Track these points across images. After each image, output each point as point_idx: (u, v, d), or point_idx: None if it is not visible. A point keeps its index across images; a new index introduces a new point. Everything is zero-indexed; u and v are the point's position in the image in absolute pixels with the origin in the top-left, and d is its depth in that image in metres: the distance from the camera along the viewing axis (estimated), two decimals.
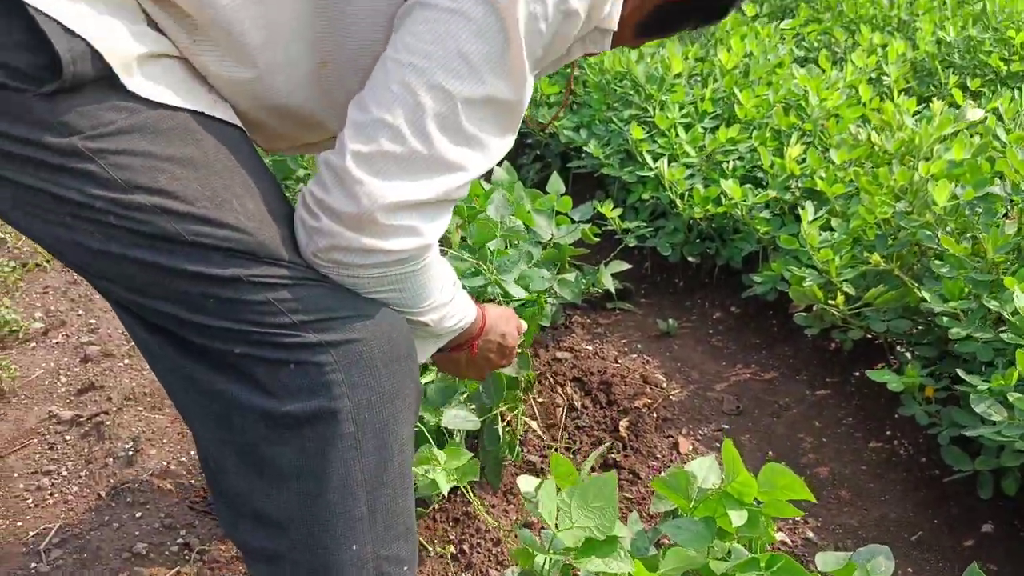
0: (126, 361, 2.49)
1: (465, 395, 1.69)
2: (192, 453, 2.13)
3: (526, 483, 1.33)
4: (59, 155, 0.90)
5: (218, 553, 1.84)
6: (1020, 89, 2.26)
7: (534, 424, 1.94)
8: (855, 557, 1.40)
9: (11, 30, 0.88)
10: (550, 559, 1.30)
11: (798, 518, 1.84)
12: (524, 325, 1.37)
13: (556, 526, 1.27)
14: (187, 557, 1.80)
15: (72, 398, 2.35)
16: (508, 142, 1.04)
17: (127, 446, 2.12)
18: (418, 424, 1.49)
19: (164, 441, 2.16)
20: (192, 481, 2.04)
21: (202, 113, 1.00)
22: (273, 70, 1.04)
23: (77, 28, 0.89)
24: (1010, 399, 1.51)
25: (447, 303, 1.14)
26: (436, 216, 1.01)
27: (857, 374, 2.18)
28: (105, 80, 0.92)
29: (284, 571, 1.07)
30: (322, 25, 1.02)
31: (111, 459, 2.08)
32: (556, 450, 1.95)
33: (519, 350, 1.77)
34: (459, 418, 1.60)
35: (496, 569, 1.71)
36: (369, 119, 0.96)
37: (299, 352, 0.99)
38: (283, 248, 1.00)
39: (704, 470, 1.48)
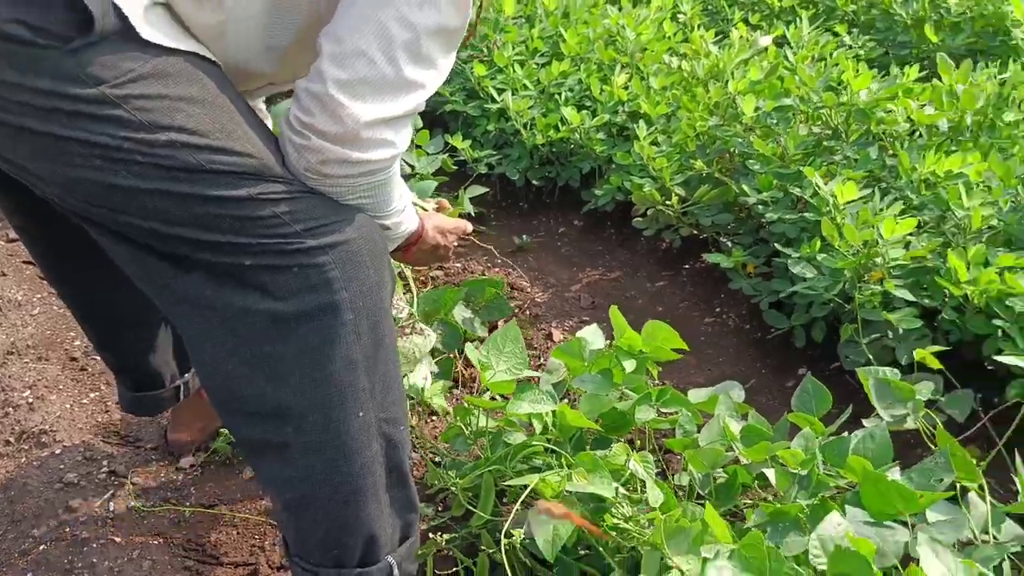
0: None
1: None
2: (93, 395, 2.20)
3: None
4: (88, 104, 1.04)
5: (146, 477, 1.96)
6: (798, 19, 2.72)
7: None
8: (715, 391, 1.76)
9: None
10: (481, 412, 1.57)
11: (656, 381, 2.20)
12: (468, 228, 1.62)
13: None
14: (117, 483, 1.91)
15: None
16: (452, 60, 1.26)
17: (24, 394, 2.16)
18: None
19: (61, 388, 2.22)
20: (101, 419, 2.12)
21: (195, 54, 1.16)
22: (237, 15, 1.19)
23: None
24: (819, 258, 1.92)
25: (403, 210, 1.37)
26: (403, 128, 1.22)
27: (687, 267, 2.58)
28: (119, 33, 1.06)
29: (295, 454, 1.25)
30: None
31: (11, 408, 2.12)
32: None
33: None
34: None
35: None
36: (345, 49, 1.14)
37: (301, 256, 1.18)
38: (279, 167, 1.19)
39: (592, 337, 1.80)
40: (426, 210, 1.66)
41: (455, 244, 1.60)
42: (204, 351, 1.26)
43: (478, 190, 2.65)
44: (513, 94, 2.81)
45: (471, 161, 2.82)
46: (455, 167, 2.72)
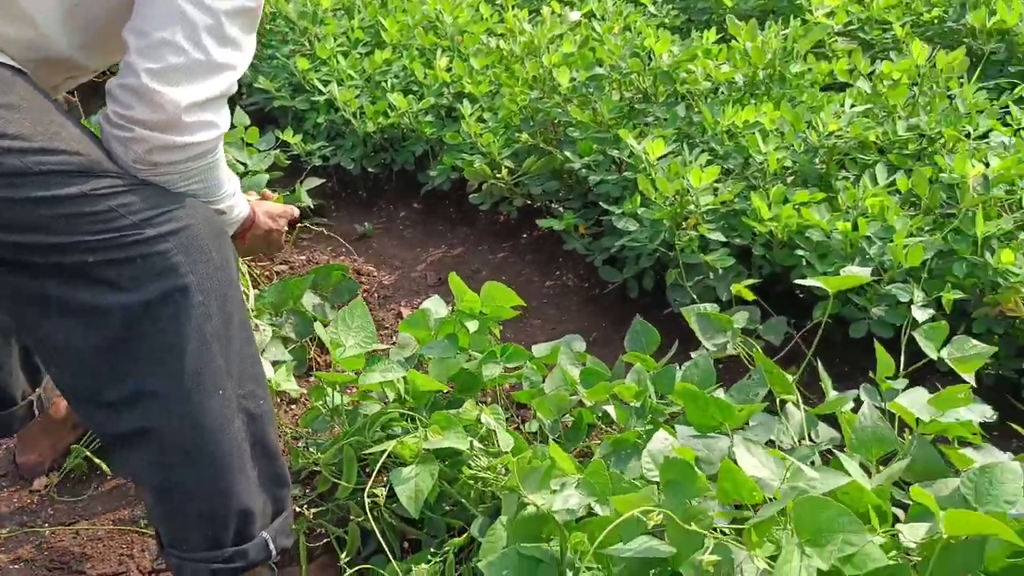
0: None
1: None
2: None
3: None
4: None
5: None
6: None
7: None
8: (557, 343, 1.88)
9: None
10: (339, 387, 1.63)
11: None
12: (296, 212, 1.66)
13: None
14: None
15: None
16: (254, 40, 1.31)
17: None
18: None
19: None
20: None
21: (2, 64, 1.16)
22: (41, 28, 1.21)
23: None
24: (640, 212, 2.07)
25: (234, 194, 1.41)
26: (221, 108, 1.26)
27: (525, 235, 2.69)
28: None
29: (158, 439, 1.28)
30: None
31: None
32: None
33: None
34: None
35: None
36: (151, 41, 1.18)
37: (142, 247, 1.21)
38: (108, 162, 1.21)
39: (435, 307, 1.87)
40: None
41: (286, 229, 1.64)
42: (57, 351, 1.27)
43: (315, 182, 2.68)
44: (339, 85, 2.84)
45: (304, 155, 2.83)
46: (288, 162, 2.73)
